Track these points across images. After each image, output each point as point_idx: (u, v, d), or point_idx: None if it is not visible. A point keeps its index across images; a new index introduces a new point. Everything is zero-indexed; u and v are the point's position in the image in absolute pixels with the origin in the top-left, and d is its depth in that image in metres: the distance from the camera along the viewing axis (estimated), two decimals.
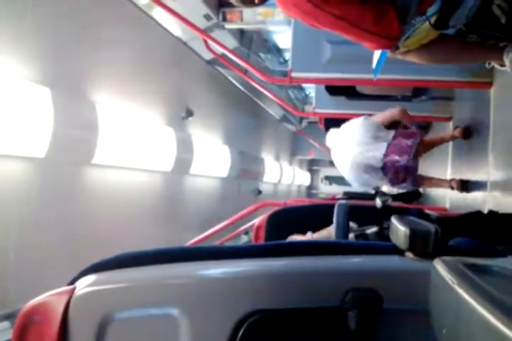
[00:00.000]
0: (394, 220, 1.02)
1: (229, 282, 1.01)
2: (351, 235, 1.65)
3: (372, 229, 1.65)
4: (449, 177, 3.89)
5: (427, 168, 3.63)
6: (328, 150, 3.37)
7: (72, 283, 1.03)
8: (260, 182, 9.61)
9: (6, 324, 2.74)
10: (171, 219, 5.25)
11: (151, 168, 4.74)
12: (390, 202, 2.17)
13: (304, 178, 15.06)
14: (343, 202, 1.70)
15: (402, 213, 1.18)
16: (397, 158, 2.96)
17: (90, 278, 1.02)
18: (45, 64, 3.18)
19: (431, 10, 1.79)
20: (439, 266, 0.77)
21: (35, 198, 3.11)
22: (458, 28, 1.99)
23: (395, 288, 0.97)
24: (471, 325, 0.63)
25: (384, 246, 1.09)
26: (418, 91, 4.30)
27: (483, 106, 2.99)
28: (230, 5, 4.81)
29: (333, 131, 3.28)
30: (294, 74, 3.39)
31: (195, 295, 0.99)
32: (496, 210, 2.00)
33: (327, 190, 14.60)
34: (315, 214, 2.42)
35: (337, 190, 11.17)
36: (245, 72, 4.70)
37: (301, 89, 9.81)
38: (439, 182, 3.63)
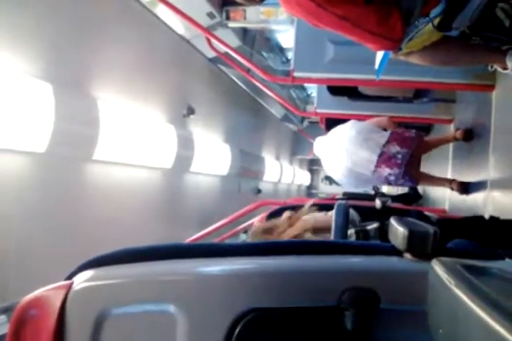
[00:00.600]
0: (393, 221, 1.02)
1: (226, 279, 1.00)
2: (351, 230, 1.64)
3: (373, 225, 1.65)
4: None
5: (428, 169, 3.63)
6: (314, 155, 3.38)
7: (69, 277, 1.03)
8: (260, 181, 9.61)
9: (2, 318, 2.74)
10: (170, 215, 5.26)
11: (151, 164, 4.75)
12: (390, 203, 2.17)
13: (304, 178, 15.08)
14: (343, 202, 1.70)
15: (401, 214, 1.18)
16: (387, 170, 2.93)
17: (88, 273, 1.02)
18: (48, 60, 3.19)
19: (434, 12, 1.78)
20: (437, 266, 0.77)
21: (35, 192, 3.12)
22: (461, 30, 2.00)
23: (392, 288, 0.97)
24: (467, 326, 0.63)
25: (382, 246, 1.09)
26: (420, 93, 4.30)
27: (485, 108, 2.99)
28: (234, 3, 4.82)
29: (319, 138, 3.26)
30: (296, 74, 3.38)
31: (192, 292, 0.99)
32: (497, 216, 2.00)
33: (327, 190, 14.61)
34: None
35: (337, 190, 11.15)
36: (248, 70, 4.70)
37: (303, 88, 9.81)
38: (439, 181, 3.62)
